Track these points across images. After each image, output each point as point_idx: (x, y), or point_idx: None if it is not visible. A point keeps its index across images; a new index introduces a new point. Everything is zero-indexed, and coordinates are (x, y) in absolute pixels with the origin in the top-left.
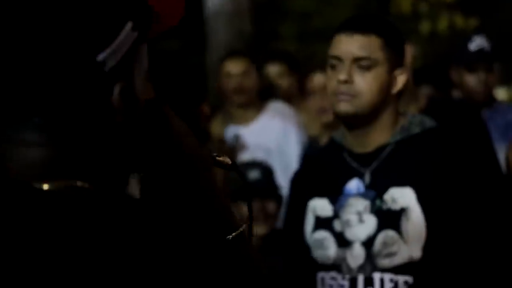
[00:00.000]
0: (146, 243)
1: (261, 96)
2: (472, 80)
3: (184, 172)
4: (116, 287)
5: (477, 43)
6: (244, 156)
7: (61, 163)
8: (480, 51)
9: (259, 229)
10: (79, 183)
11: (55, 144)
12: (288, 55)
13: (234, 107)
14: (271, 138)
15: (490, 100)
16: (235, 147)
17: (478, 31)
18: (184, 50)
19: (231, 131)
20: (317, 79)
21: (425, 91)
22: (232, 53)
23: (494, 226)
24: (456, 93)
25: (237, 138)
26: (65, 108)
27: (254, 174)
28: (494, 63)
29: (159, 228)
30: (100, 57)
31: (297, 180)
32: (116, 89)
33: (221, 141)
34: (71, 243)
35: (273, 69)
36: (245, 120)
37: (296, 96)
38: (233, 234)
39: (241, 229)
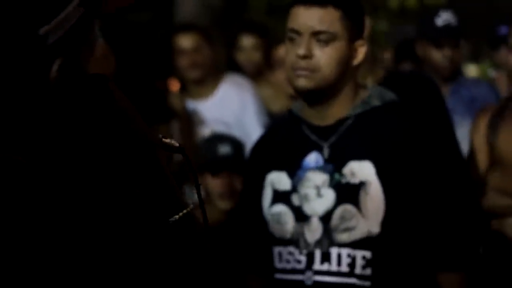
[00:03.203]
0: (81, 220)
1: (228, 69)
2: (438, 55)
3: (130, 150)
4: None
5: (444, 18)
6: (204, 131)
7: None
8: (447, 26)
9: (225, 204)
10: (11, 156)
11: None
12: (263, 27)
13: (189, 83)
14: (229, 111)
15: (456, 74)
16: (193, 122)
17: (446, 7)
18: (153, 22)
19: (188, 107)
20: (283, 50)
21: (406, 67)
22: (182, 28)
23: (452, 201)
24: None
25: (194, 113)
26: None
27: (225, 149)
28: (460, 38)
29: (95, 205)
30: (42, 30)
31: (255, 152)
32: (56, 64)
33: (183, 115)
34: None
35: (248, 41)
36: (202, 95)
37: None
38: (179, 214)
39: (187, 209)
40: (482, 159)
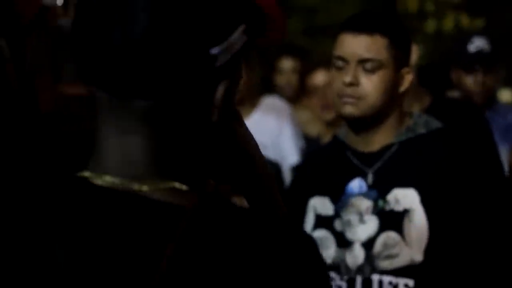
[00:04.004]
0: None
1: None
2: (469, 81)
3: (252, 176)
4: None
5: (476, 44)
6: None
7: (161, 160)
8: (479, 52)
9: None
10: (177, 185)
11: (158, 137)
12: (302, 50)
13: None
14: (266, 134)
15: (490, 101)
16: None
17: (483, 31)
18: None
19: None
20: (320, 76)
21: None
22: None
23: (498, 232)
24: (453, 95)
25: None
26: (172, 97)
27: None
28: (494, 64)
29: (263, 235)
30: (214, 51)
31: (298, 177)
32: (221, 88)
33: None
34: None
35: (287, 64)
36: None
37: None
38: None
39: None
40: None
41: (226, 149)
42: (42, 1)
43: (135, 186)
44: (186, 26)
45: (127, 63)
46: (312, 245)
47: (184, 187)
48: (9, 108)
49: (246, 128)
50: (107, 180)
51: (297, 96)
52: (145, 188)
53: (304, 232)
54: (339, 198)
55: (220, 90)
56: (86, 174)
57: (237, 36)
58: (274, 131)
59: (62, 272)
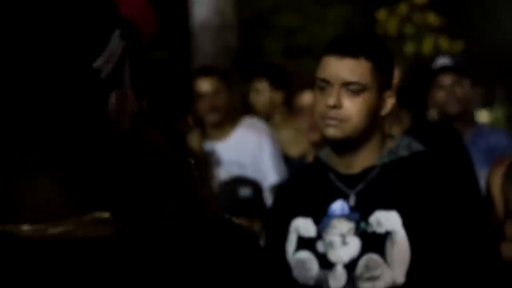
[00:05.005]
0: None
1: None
2: (439, 94)
3: (176, 176)
4: None
5: (440, 61)
6: (220, 172)
7: (77, 192)
8: (443, 67)
9: None
10: (98, 215)
11: (67, 170)
12: (274, 70)
13: (208, 125)
14: (246, 153)
15: (466, 116)
16: (210, 163)
17: (462, 54)
18: (171, 61)
19: (206, 148)
20: (307, 97)
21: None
22: (202, 71)
23: (478, 253)
24: (430, 116)
25: (211, 154)
26: (69, 125)
27: (245, 192)
28: (463, 77)
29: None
30: (97, 64)
31: (280, 197)
32: (112, 98)
33: (201, 155)
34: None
35: (263, 85)
36: (219, 137)
37: (281, 112)
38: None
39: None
40: (498, 209)
41: (143, 157)
42: None
43: (57, 229)
44: (63, 47)
45: (12, 105)
46: (253, 242)
47: (105, 215)
48: None
49: (157, 132)
50: (26, 229)
51: (273, 116)
52: (67, 228)
53: (243, 229)
54: (321, 220)
55: (112, 101)
56: (1, 227)
57: (114, 43)
58: (254, 150)
59: None
